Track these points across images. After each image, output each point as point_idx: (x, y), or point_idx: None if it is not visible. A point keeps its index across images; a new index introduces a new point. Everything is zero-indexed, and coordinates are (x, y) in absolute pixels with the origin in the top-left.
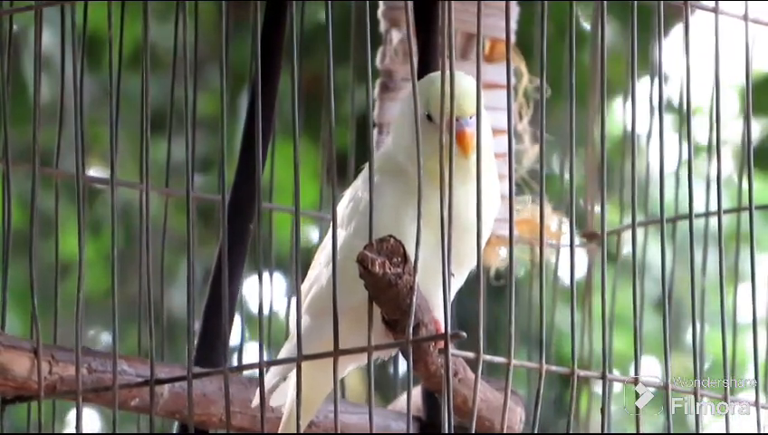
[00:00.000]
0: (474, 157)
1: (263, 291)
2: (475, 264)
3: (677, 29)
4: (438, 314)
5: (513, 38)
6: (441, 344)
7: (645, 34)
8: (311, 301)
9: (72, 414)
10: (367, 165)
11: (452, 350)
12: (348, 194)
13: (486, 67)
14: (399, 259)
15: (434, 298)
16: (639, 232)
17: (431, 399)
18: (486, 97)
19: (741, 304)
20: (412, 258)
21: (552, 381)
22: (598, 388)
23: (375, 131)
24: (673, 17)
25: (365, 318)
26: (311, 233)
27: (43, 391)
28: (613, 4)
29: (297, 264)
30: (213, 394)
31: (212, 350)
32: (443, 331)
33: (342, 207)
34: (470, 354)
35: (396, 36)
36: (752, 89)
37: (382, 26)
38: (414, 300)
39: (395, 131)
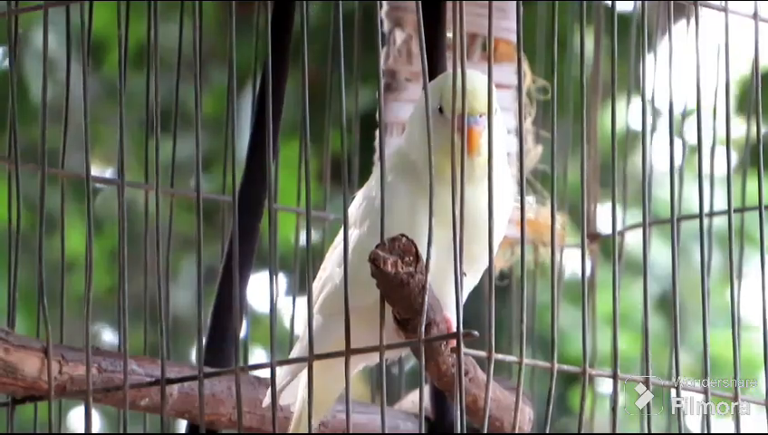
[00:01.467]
0: (485, 155)
1: (274, 291)
2: (488, 263)
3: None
4: (450, 313)
5: (515, 38)
6: (453, 344)
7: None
8: (323, 300)
9: (72, 414)
10: (378, 164)
11: (464, 349)
12: (361, 193)
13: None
14: (411, 258)
15: (446, 297)
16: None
17: (439, 398)
18: None
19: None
20: (424, 257)
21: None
22: (599, 387)
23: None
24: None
25: (377, 318)
26: (314, 233)
27: (53, 391)
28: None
29: (309, 264)
30: (222, 394)
31: (220, 349)
32: (454, 330)
33: (355, 207)
34: (482, 353)
35: (399, 36)
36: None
37: (386, 26)
38: (426, 299)
39: (408, 129)
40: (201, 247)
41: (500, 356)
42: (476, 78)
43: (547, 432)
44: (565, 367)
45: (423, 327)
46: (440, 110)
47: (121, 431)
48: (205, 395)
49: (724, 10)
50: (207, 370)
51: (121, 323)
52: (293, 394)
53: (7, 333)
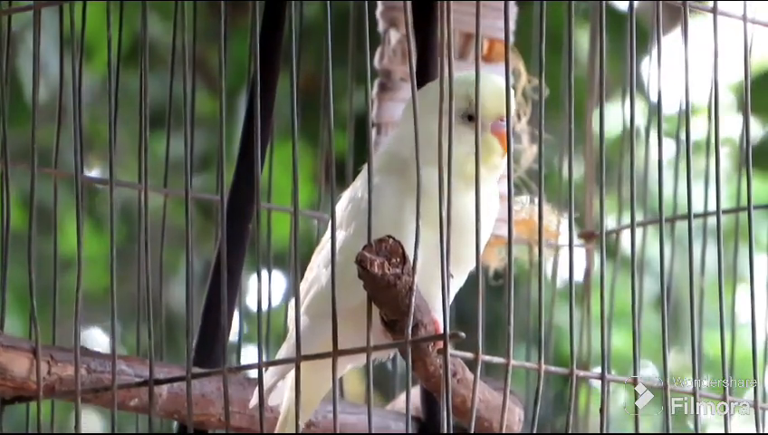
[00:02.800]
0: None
1: (261, 291)
2: (475, 264)
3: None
4: (437, 314)
5: (511, 38)
6: (440, 345)
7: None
8: (310, 301)
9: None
10: (366, 165)
11: (451, 350)
12: (347, 195)
13: (485, 67)
14: (398, 260)
15: (433, 299)
16: (639, 231)
17: (430, 399)
18: None
19: (740, 304)
20: (411, 259)
21: (551, 379)
22: (598, 386)
23: (373, 132)
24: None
25: (364, 319)
26: (308, 233)
27: (41, 392)
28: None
29: (296, 264)
30: (211, 394)
31: (211, 350)
32: (442, 331)
33: (341, 208)
34: (469, 355)
35: (394, 36)
36: (749, 88)
37: (381, 26)
38: (413, 300)
39: (402, 128)
40: (190, 248)
41: (487, 357)
42: (499, 81)
43: (534, 432)
44: (552, 368)
45: (410, 328)
46: (469, 117)
47: (111, 432)
48: (194, 395)
49: (713, 11)
50: (196, 370)
51: (112, 324)
52: (281, 395)
53: None
